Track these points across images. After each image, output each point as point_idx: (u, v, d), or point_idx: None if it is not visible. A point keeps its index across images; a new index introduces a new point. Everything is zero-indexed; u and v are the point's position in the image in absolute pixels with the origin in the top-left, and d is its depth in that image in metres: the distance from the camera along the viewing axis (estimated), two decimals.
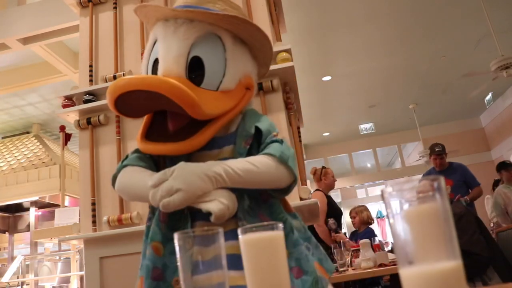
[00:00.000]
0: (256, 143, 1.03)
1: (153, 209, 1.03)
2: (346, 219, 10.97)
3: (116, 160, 2.03)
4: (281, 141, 1.01)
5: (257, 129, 1.02)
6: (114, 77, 2.18)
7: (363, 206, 4.42)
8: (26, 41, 4.18)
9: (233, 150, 1.01)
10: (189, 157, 1.00)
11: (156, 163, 1.07)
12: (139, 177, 1.00)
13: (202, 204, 0.89)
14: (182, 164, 0.91)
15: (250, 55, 1.11)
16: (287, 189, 1.00)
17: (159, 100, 0.92)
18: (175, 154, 0.97)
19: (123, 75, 2.17)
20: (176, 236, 0.59)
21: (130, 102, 0.97)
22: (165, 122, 1.01)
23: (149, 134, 1.01)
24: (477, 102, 8.02)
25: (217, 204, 0.87)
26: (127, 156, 1.08)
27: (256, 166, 0.93)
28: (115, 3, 2.36)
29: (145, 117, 1.04)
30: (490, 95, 7.84)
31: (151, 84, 0.90)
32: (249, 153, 1.00)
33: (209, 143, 1.01)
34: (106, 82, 2.19)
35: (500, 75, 4.68)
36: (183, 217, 0.96)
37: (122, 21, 2.35)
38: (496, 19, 4.96)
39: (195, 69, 1.00)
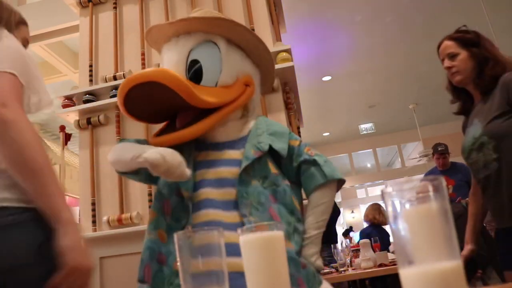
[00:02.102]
0: (272, 157, 1.13)
1: (159, 198, 1.09)
2: (346, 217, 10.99)
3: None
4: (316, 162, 1.13)
5: (271, 147, 1.12)
6: (114, 77, 2.18)
7: (375, 206, 4.30)
8: None
9: (242, 153, 1.09)
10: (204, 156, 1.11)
11: None
12: (124, 146, 1.10)
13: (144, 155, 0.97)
14: None
15: (249, 60, 1.21)
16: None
17: (159, 91, 1.01)
18: (179, 142, 1.06)
19: (123, 75, 2.16)
20: (176, 236, 0.60)
21: (136, 100, 1.05)
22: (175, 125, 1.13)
23: (159, 134, 1.13)
24: None
25: (153, 153, 0.96)
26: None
27: (327, 213, 1.11)
28: (115, 3, 2.36)
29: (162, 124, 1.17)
30: None
31: (150, 75, 0.99)
32: (259, 161, 1.08)
33: (221, 145, 1.12)
34: (106, 82, 2.19)
35: None
36: (185, 208, 1.02)
37: (122, 21, 2.35)
38: (496, 19, 4.95)
39: (194, 72, 1.13)
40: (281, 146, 1.11)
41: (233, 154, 1.09)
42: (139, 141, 1.14)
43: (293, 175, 1.15)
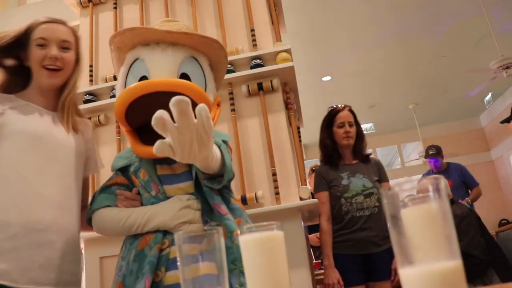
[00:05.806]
0: None
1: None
2: None
3: None
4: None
5: None
6: (114, 77, 2.18)
7: None
8: None
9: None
10: (155, 165, 1.16)
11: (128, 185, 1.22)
12: (111, 218, 1.16)
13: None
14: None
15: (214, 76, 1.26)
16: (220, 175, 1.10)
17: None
18: None
19: None
20: (176, 236, 0.60)
21: (137, 109, 1.06)
22: (143, 134, 1.15)
23: (142, 142, 1.14)
24: (477, 102, 8.02)
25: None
26: (94, 196, 1.24)
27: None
28: (115, 3, 2.36)
29: (126, 132, 1.17)
30: (490, 95, 7.83)
31: (175, 85, 1.04)
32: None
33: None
34: (106, 82, 2.19)
35: (500, 75, 4.68)
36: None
37: (122, 21, 2.35)
38: (496, 19, 4.96)
39: None
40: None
41: (186, 167, 1.16)
42: (107, 192, 1.21)
43: None
